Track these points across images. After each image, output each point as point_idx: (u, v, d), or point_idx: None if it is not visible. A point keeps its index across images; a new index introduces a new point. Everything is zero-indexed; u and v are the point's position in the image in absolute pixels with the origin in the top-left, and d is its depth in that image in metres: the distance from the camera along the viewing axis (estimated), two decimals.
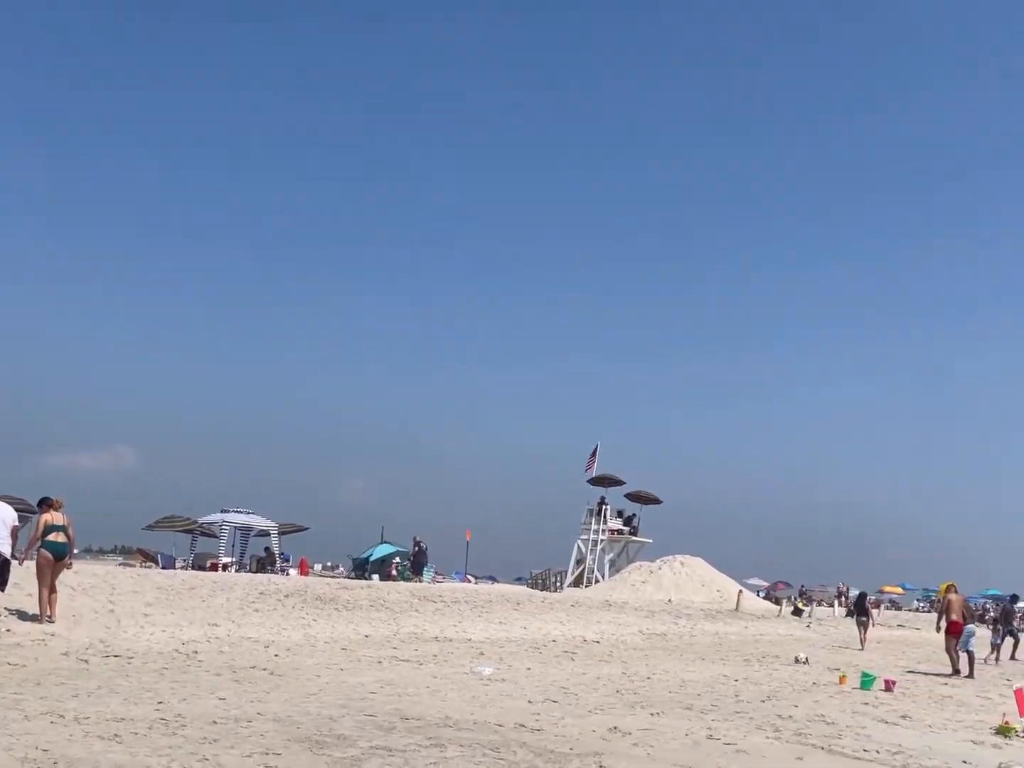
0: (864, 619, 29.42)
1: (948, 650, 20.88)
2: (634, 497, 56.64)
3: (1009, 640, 27.62)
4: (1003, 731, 11.94)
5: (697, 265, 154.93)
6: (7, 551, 14.82)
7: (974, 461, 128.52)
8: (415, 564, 38.13)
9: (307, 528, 42.44)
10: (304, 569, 38.16)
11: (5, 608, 15.27)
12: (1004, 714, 12.68)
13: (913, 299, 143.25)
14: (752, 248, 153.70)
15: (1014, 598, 30.67)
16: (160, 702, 10.07)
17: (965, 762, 10.13)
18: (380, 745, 8.81)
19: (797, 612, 42.68)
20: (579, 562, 55.98)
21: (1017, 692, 12.82)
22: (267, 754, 8.04)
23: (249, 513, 36.90)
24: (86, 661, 12.68)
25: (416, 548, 38.67)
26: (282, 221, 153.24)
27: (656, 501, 57.52)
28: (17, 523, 15.22)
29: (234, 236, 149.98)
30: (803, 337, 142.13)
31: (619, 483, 56.07)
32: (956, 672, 20.53)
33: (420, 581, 36.02)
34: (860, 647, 27.96)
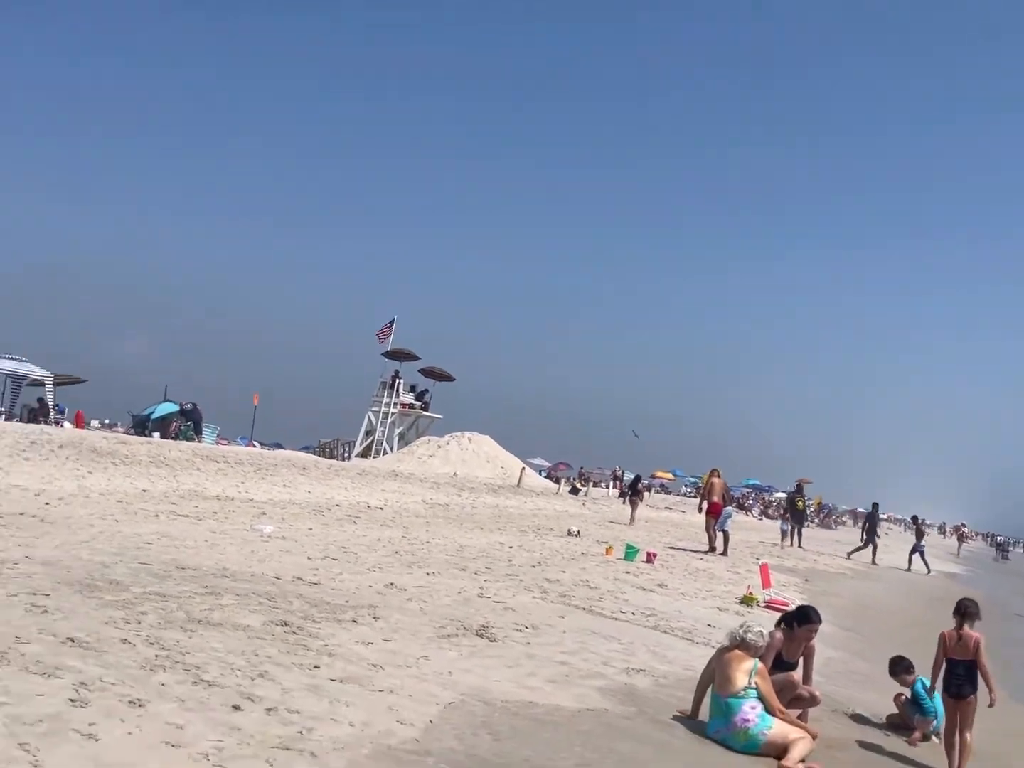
0: (635, 498, 31.32)
1: (707, 529, 22.58)
2: (428, 373, 57.16)
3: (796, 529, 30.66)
4: (746, 601, 13.16)
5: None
6: None
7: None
8: (195, 423, 37.31)
9: (85, 380, 40.66)
10: (80, 423, 36.61)
11: None
12: (749, 586, 13.95)
13: None
14: None
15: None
16: None
17: (710, 625, 11.14)
18: (154, 591, 8.80)
19: (575, 491, 44.80)
20: (368, 433, 56.32)
21: (762, 568, 14.11)
22: (35, 594, 7.89)
23: (22, 360, 34.83)
24: None
25: (183, 408, 37.68)
26: None
27: (449, 378, 58.28)
28: None
29: None
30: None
31: (414, 358, 56.35)
32: (712, 549, 22.27)
33: (201, 442, 35.36)
34: (629, 523, 29.76)
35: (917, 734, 8.57)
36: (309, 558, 12.47)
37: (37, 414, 34.79)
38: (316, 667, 7.12)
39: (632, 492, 32.02)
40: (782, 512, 31.59)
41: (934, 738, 8.54)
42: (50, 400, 35.45)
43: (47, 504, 14.57)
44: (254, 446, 48.63)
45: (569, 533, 22.68)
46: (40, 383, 35.55)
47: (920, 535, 32.60)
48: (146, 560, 10.49)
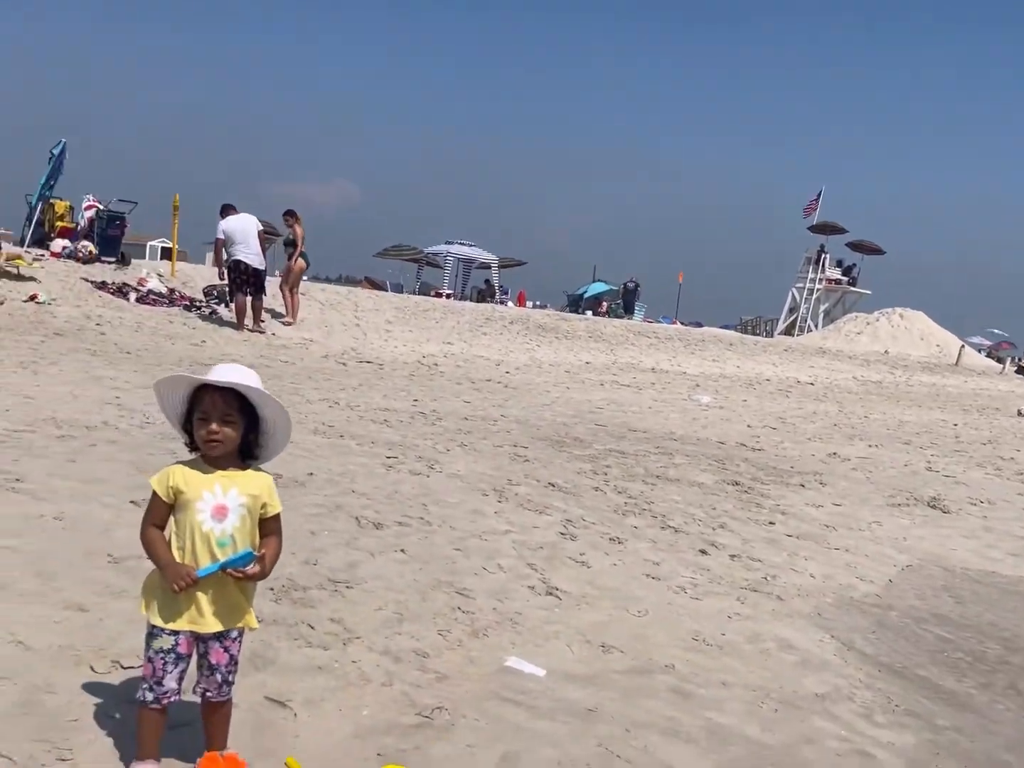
0: None
1: None
2: (855, 246, 54.60)
3: None
4: None
5: None
6: (258, 262, 15.55)
7: None
8: (626, 303, 38.77)
9: (525, 263, 43.63)
10: (522, 302, 39.54)
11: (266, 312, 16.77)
12: None
13: None
14: None
15: None
16: (415, 400, 11.20)
17: None
18: (613, 448, 9.60)
19: (1021, 371, 41.12)
20: (792, 311, 55.27)
21: None
22: (516, 446, 8.95)
23: (472, 245, 38.14)
24: (344, 364, 14.06)
25: (627, 287, 39.18)
26: None
27: (879, 251, 55.30)
28: (260, 227, 15.76)
29: None
30: None
31: (841, 231, 54.01)
32: None
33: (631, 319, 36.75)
34: None
35: None
36: (749, 426, 12.82)
37: (485, 294, 38.05)
38: (771, 523, 7.48)
39: None
40: None
41: None
42: (496, 281, 38.54)
43: (507, 373, 16.15)
44: (679, 323, 49.67)
45: (1020, 413, 21.08)
46: (487, 266, 38.73)
47: None
48: (600, 422, 11.40)
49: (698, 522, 7.16)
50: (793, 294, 55.11)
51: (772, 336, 50.65)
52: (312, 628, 4.22)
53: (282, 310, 17.38)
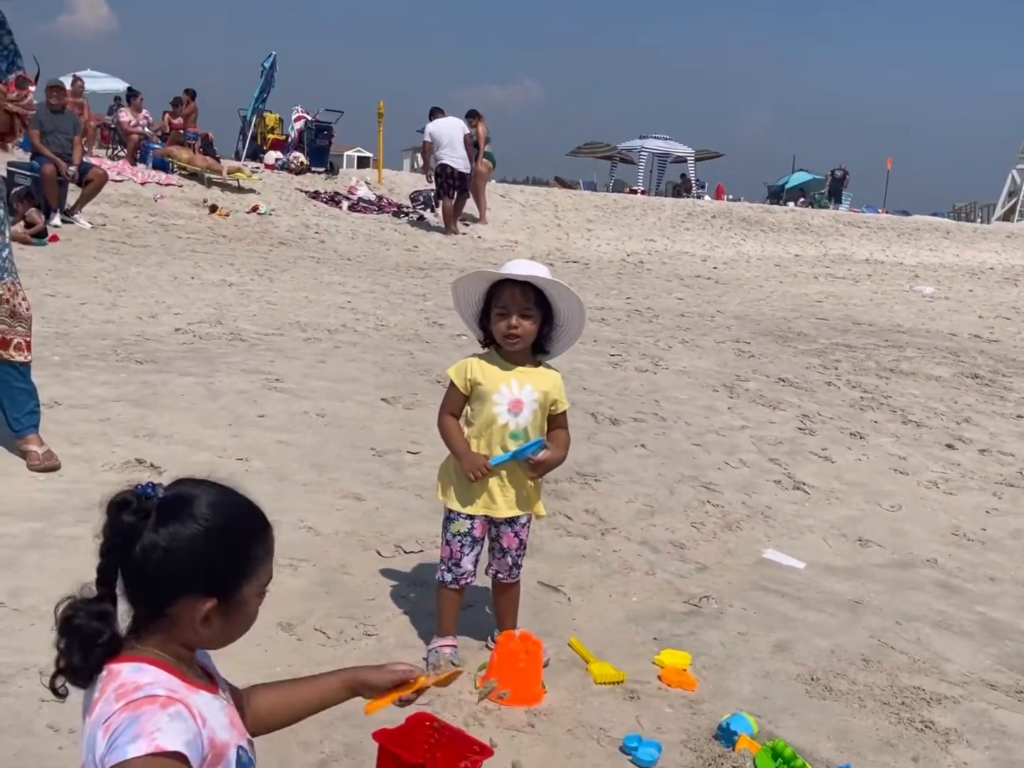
0: None
1: None
2: None
3: None
4: None
5: None
6: (464, 166, 15.40)
7: None
8: (833, 192, 37.01)
9: (722, 155, 42.16)
10: (720, 195, 38.38)
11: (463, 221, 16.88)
12: None
13: None
14: None
15: None
16: (628, 298, 11.16)
17: None
18: (840, 342, 9.28)
19: None
20: (1011, 194, 51.28)
21: None
22: (738, 342, 8.79)
23: (666, 139, 37.14)
24: (551, 265, 14.09)
25: (835, 175, 37.36)
26: None
27: None
28: (468, 131, 15.59)
29: None
30: None
31: None
32: None
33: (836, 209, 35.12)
34: None
35: None
36: (980, 317, 12.12)
37: (681, 189, 37.15)
38: (1019, 416, 7.08)
39: None
40: None
41: None
42: (692, 175, 37.52)
43: (715, 268, 15.82)
44: (886, 212, 47.09)
45: None
46: (683, 160, 37.70)
47: None
48: (821, 316, 11.03)
49: (940, 416, 6.86)
50: (1014, 176, 50.92)
51: (989, 223, 47.32)
52: (569, 519, 4.33)
53: (473, 213, 17.43)
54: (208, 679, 1.51)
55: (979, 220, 47.81)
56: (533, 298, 2.79)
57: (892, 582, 4.08)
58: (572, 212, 19.93)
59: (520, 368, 2.88)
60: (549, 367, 2.98)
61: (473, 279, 2.88)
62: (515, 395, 2.86)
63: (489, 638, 3.14)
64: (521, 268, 2.82)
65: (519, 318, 2.78)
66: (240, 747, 1.46)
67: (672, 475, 5.06)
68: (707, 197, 36.67)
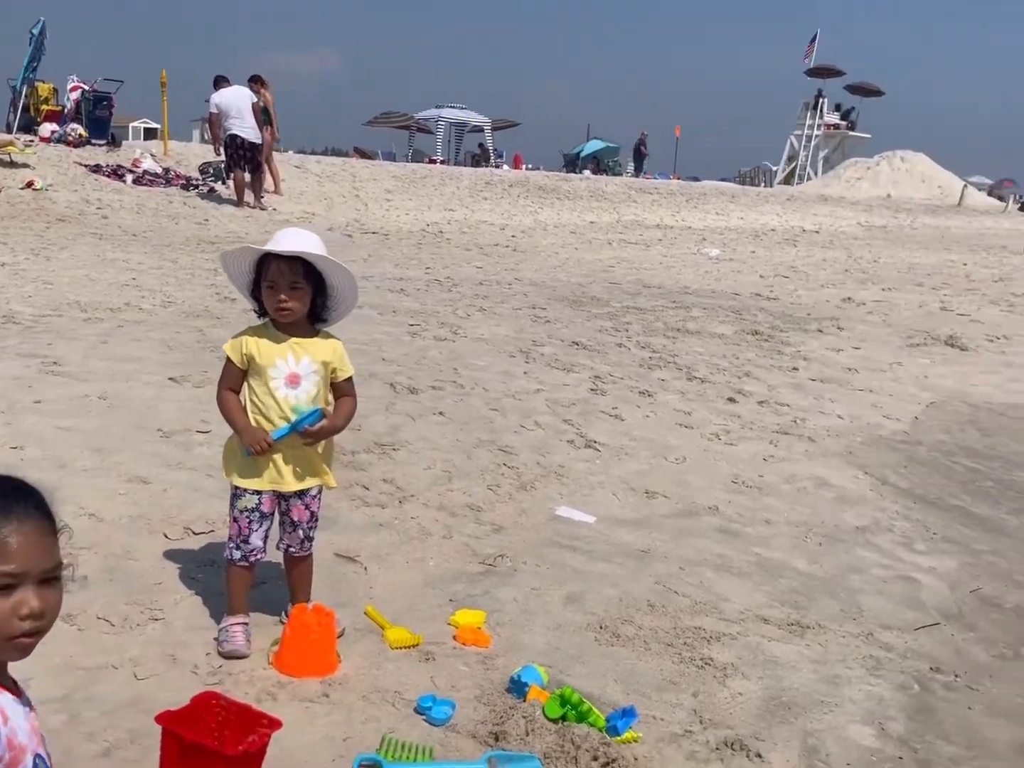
0: None
1: None
2: (854, 89, 53.20)
3: None
4: None
5: None
6: (254, 136, 14.87)
7: None
8: (637, 160, 38.04)
9: (518, 124, 42.70)
10: (518, 164, 38.83)
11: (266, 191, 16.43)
12: None
13: None
14: None
15: None
16: (427, 268, 11.17)
17: None
18: (631, 305, 9.62)
19: None
20: (791, 159, 54.25)
21: None
22: (534, 308, 8.97)
23: (463, 108, 37.23)
24: (350, 236, 13.94)
25: (639, 147, 38.33)
26: None
27: (878, 93, 53.98)
28: (256, 99, 15.08)
29: None
30: None
31: (838, 74, 52.56)
32: None
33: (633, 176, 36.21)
34: None
35: None
36: (761, 276, 12.82)
37: (480, 159, 37.36)
38: (794, 369, 7.56)
39: None
40: None
41: None
42: (490, 145, 37.78)
43: (513, 236, 16.04)
44: (677, 179, 48.93)
45: None
46: (480, 129, 37.88)
47: None
48: (614, 280, 11.40)
49: (723, 372, 7.23)
50: (792, 142, 53.99)
51: (772, 186, 49.95)
52: (367, 489, 4.33)
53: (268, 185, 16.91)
54: (15, 686, 1.44)
55: (763, 184, 50.45)
56: (302, 271, 2.76)
57: (677, 530, 4.29)
58: (371, 183, 19.76)
59: (296, 339, 2.85)
60: (329, 335, 2.96)
61: (239, 254, 2.82)
62: (292, 369, 2.83)
63: (283, 613, 3.12)
64: (289, 241, 2.77)
65: (288, 292, 2.75)
66: (39, 755, 1.41)
67: (470, 440, 5.13)
68: (505, 166, 37.07)
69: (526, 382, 6.39)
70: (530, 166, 44.77)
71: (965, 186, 42.72)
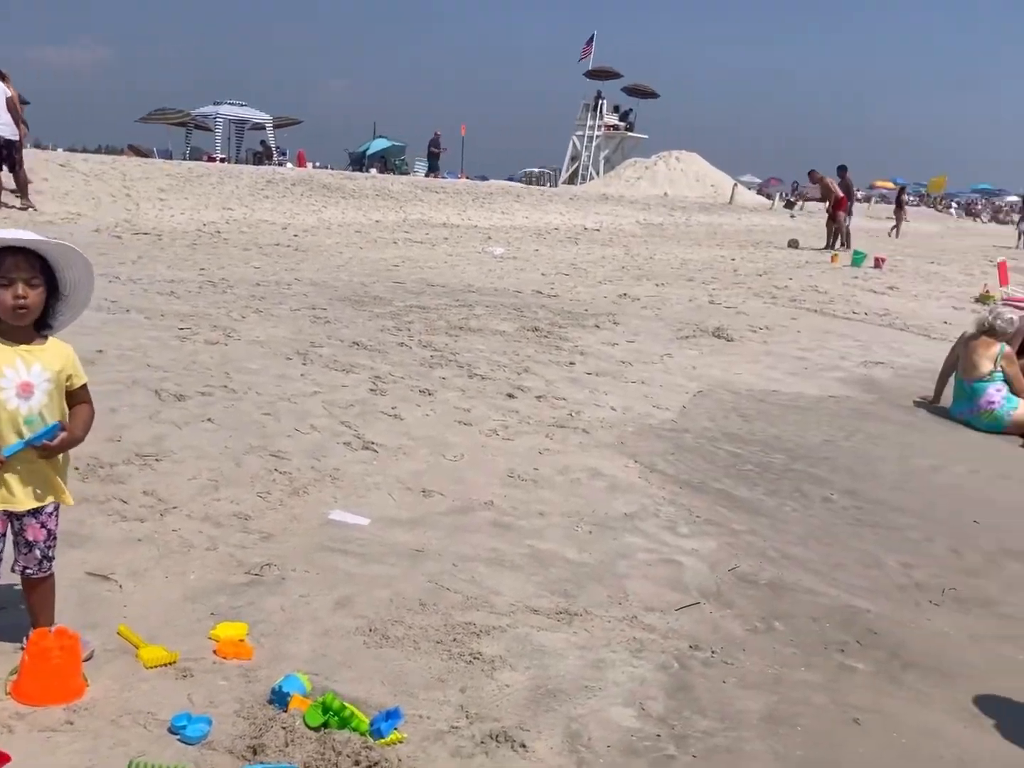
0: (899, 212, 31.50)
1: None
2: (631, 91, 55.35)
3: None
4: (983, 299, 12.91)
5: None
6: (10, 132, 14.14)
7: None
8: (431, 159, 38.01)
9: (301, 121, 42.00)
10: (302, 162, 38.15)
11: (9, 191, 15.27)
12: (985, 284, 13.62)
13: None
14: None
15: None
16: (202, 269, 10.76)
17: (946, 322, 11.10)
18: (414, 304, 9.60)
19: (789, 206, 43.47)
20: (574, 159, 55.83)
21: (1000, 265, 13.68)
22: (314, 308, 8.81)
23: (243, 105, 36.23)
24: (119, 237, 13.26)
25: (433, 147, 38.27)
26: None
27: (653, 95, 56.38)
28: (9, 94, 14.22)
29: None
30: None
31: (616, 76, 54.51)
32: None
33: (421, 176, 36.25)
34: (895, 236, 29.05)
35: None
36: (543, 274, 13.08)
37: (262, 157, 36.47)
38: (571, 363, 7.74)
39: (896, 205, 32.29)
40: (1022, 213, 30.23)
41: None
42: (272, 142, 36.96)
43: (295, 236, 15.70)
44: (465, 178, 49.36)
45: (790, 245, 22.40)
46: (261, 126, 37.00)
47: None
48: (398, 279, 11.34)
49: (503, 368, 7.32)
50: (574, 142, 55.57)
51: (556, 186, 51.20)
52: (125, 503, 4.11)
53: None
54: None
55: (548, 184, 51.63)
56: (39, 266, 2.59)
57: (451, 527, 4.30)
58: (143, 181, 18.90)
59: (26, 347, 2.65)
60: (57, 341, 2.77)
61: None
62: (23, 378, 2.63)
63: (24, 639, 2.90)
64: (15, 233, 2.59)
65: (26, 287, 2.56)
66: None
67: (240, 447, 4.96)
68: (289, 164, 36.36)
69: (302, 384, 6.25)
70: (316, 164, 44.10)
71: (735, 185, 45.18)
